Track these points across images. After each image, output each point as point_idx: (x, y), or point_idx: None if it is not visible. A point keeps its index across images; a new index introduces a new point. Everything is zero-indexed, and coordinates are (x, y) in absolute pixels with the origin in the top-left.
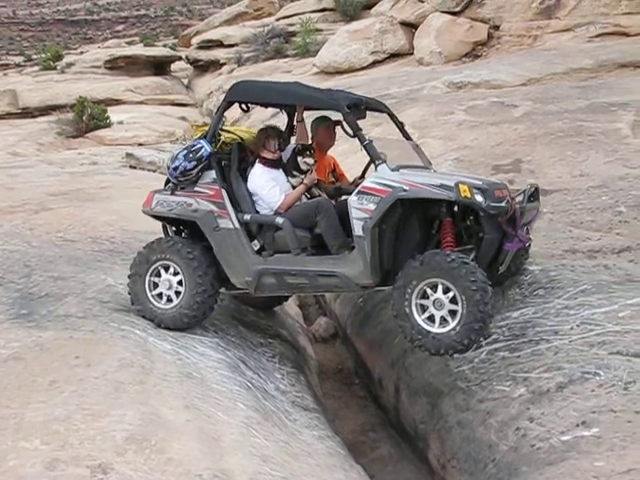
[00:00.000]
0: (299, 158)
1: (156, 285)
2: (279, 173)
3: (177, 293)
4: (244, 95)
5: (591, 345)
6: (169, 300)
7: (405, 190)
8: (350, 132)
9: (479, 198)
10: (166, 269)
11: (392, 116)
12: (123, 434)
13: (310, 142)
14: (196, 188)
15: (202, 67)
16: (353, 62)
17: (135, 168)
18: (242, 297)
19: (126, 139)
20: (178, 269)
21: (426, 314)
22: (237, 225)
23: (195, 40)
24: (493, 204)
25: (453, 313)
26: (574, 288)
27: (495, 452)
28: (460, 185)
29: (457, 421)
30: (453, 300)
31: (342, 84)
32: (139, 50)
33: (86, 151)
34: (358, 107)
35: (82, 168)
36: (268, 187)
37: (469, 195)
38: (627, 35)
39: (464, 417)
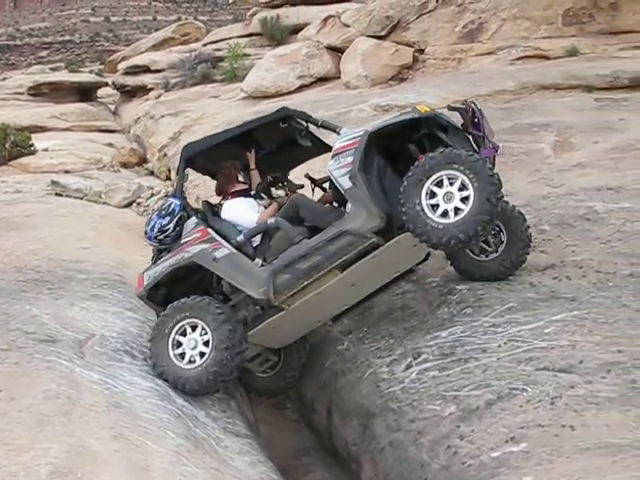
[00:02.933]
0: (272, 189)
1: (180, 344)
2: (250, 199)
3: (201, 354)
4: (197, 149)
5: (518, 362)
6: (191, 361)
7: (371, 129)
8: (301, 126)
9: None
10: (193, 328)
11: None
12: (48, 468)
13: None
14: (182, 241)
15: (129, 93)
16: (280, 86)
17: (61, 196)
18: (250, 385)
19: (52, 166)
20: (206, 327)
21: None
22: (233, 250)
23: (121, 66)
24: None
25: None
26: (501, 306)
27: (427, 471)
28: (417, 106)
29: (389, 442)
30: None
31: (270, 108)
32: (64, 76)
33: (10, 179)
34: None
35: (6, 196)
36: (241, 210)
37: (429, 110)
38: (547, 58)
39: (396, 437)
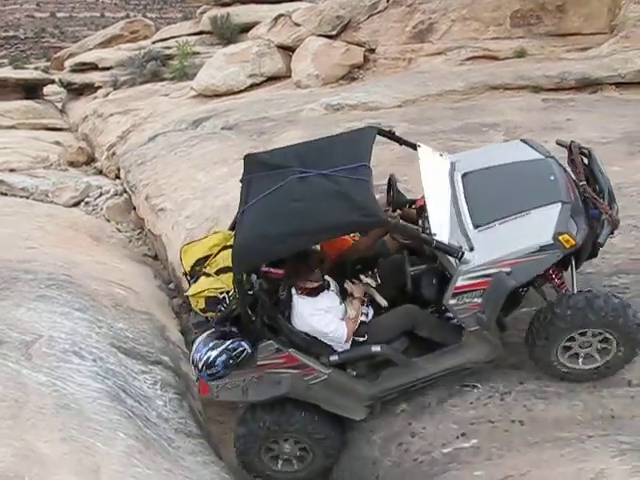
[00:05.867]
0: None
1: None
2: (325, 296)
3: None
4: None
5: None
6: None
7: (509, 273)
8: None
9: (579, 238)
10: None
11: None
12: None
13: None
14: (258, 362)
15: (76, 90)
16: (231, 85)
17: (6, 195)
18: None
19: None
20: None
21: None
22: (327, 371)
23: (68, 63)
24: (604, 234)
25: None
26: None
27: (379, 468)
28: (560, 237)
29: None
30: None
31: (221, 107)
32: (8, 73)
33: None
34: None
35: None
36: (323, 323)
37: (574, 243)
38: (496, 59)
39: (349, 436)
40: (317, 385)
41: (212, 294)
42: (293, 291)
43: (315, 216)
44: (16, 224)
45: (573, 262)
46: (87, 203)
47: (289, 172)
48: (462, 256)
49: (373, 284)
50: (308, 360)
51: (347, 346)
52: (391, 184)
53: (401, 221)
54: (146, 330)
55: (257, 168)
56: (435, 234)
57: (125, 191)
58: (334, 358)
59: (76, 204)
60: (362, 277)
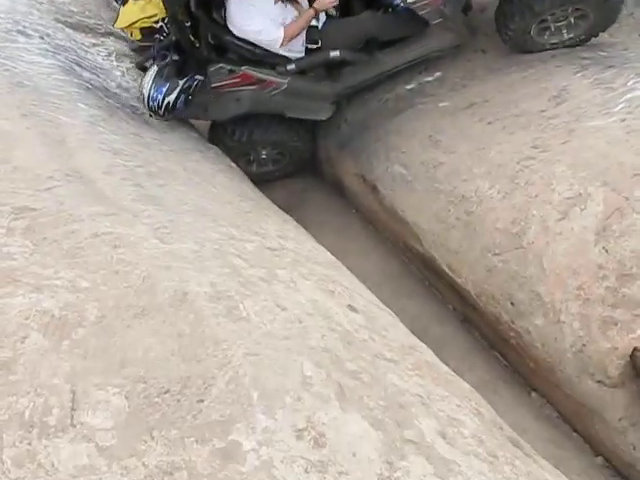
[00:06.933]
0: None
1: None
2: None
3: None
4: None
5: None
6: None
7: None
8: None
9: None
10: None
11: None
12: None
13: None
14: (212, 84)
15: None
16: None
17: None
18: None
19: None
20: None
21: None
22: (287, 80)
23: None
24: None
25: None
26: None
27: (346, 114)
28: None
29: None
30: None
31: None
32: None
33: None
34: None
35: None
36: (254, 25)
37: None
38: None
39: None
40: (278, 95)
41: (146, 24)
42: None
43: None
44: None
45: None
46: None
47: None
48: None
49: None
50: (264, 74)
51: (301, 53)
52: None
53: None
54: (90, 2)
55: None
56: None
57: None
58: (291, 67)
59: None
60: None
